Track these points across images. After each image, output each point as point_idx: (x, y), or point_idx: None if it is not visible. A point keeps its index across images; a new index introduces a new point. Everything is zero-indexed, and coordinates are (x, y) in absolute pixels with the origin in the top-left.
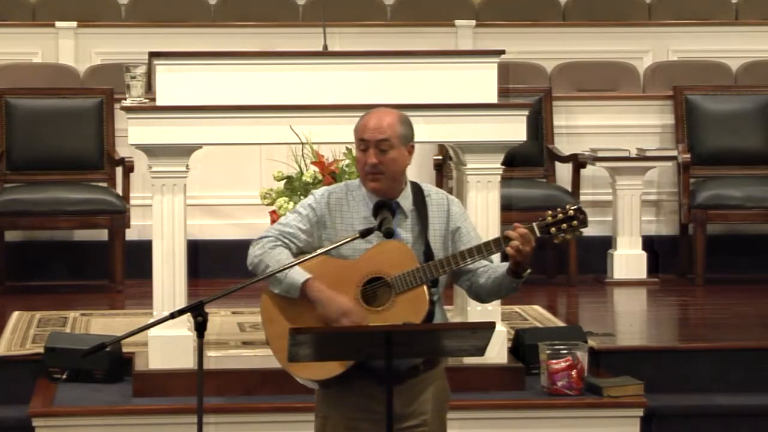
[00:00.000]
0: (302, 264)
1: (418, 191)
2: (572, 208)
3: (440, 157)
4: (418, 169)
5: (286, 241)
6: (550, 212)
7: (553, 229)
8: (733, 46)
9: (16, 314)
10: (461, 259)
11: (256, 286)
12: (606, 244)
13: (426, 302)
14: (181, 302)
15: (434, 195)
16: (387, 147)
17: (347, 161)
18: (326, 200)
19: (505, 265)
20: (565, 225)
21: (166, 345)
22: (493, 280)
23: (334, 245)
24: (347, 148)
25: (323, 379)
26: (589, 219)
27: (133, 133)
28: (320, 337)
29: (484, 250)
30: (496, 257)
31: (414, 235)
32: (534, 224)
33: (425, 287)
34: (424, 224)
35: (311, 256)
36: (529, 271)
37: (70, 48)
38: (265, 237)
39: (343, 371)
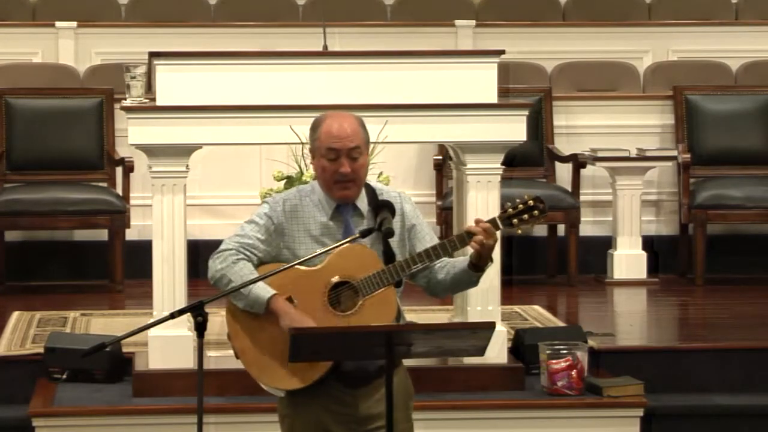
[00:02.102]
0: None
1: (371, 191)
2: (531, 198)
3: (440, 157)
4: (418, 169)
5: (247, 253)
6: (509, 204)
7: (515, 221)
8: (733, 46)
9: (16, 314)
10: (426, 257)
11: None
12: (606, 244)
13: (394, 304)
14: (181, 302)
15: (386, 194)
16: (357, 154)
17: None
18: (281, 207)
19: (464, 259)
20: (526, 215)
21: (166, 345)
22: (452, 276)
23: (335, 245)
24: None
25: (303, 386)
26: (590, 219)
27: (133, 133)
28: (320, 337)
29: (448, 246)
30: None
31: (372, 235)
32: (495, 217)
33: (392, 289)
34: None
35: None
36: (490, 263)
37: (70, 48)
38: (226, 250)
39: (318, 378)
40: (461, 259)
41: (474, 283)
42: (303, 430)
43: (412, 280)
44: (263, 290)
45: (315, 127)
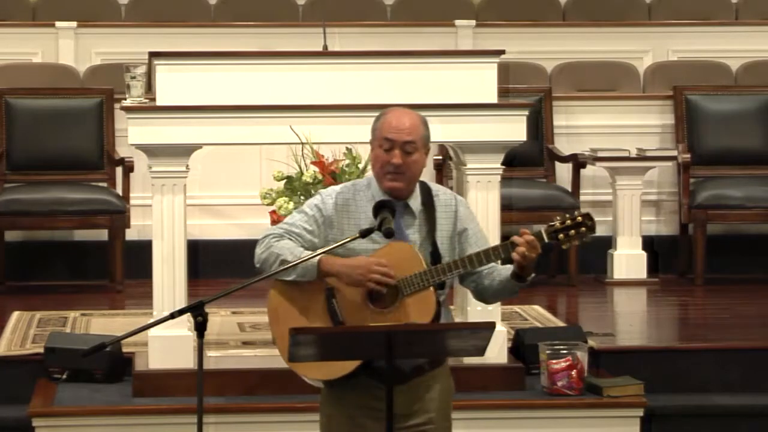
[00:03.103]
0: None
1: (426, 192)
2: (581, 214)
3: (440, 157)
4: None
5: (292, 239)
6: (558, 217)
7: (561, 236)
8: (733, 46)
9: (16, 314)
10: (469, 263)
11: (257, 285)
12: (606, 244)
13: (433, 305)
14: (181, 302)
15: (442, 195)
16: (412, 149)
17: (347, 161)
18: (333, 200)
19: (510, 268)
20: (573, 231)
21: (166, 345)
22: (498, 283)
23: (335, 245)
24: (347, 148)
25: (330, 379)
26: None
27: (133, 133)
28: (320, 337)
29: (492, 254)
30: None
31: (422, 235)
32: (542, 230)
33: (432, 290)
34: (432, 225)
35: (316, 253)
36: (533, 275)
37: (70, 48)
38: (271, 235)
39: (351, 371)
40: (507, 267)
41: (516, 293)
42: (338, 424)
43: (462, 284)
44: (312, 257)
45: (377, 119)
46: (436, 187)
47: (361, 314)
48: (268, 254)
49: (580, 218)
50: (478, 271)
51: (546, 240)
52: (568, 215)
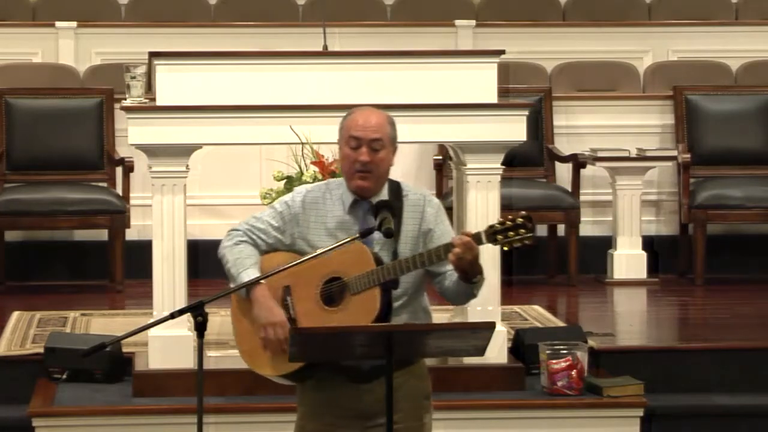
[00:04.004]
0: (279, 262)
1: (395, 191)
2: (522, 216)
3: (440, 157)
4: (418, 169)
5: (254, 237)
6: (498, 219)
7: (500, 237)
8: (733, 46)
9: (16, 314)
10: (412, 263)
11: None
12: (606, 244)
13: (376, 304)
14: (181, 302)
15: (411, 195)
16: (379, 147)
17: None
18: (302, 198)
19: None
20: (512, 233)
21: (166, 345)
22: (455, 284)
23: (335, 245)
24: None
25: (287, 374)
26: (589, 219)
27: (133, 133)
28: (320, 337)
29: (433, 256)
30: None
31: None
32: (482, 231)
33: (378, 289)
34: (397, 225)
35: (306, 258)
36: (479, 277)
37: (70, 48)
38: (236, 230)
39: (302, 365)
40: None
41: (472, 294)
42: (309, 422)
43: (432, 284)
44: (247, 276)
45: (344, 118)
46: (407, 188)
47: (312, 312)
48: (222, 252)
49: (520, 220)
50: (442, 273)
51: (484, 241)
52: (509, 216)
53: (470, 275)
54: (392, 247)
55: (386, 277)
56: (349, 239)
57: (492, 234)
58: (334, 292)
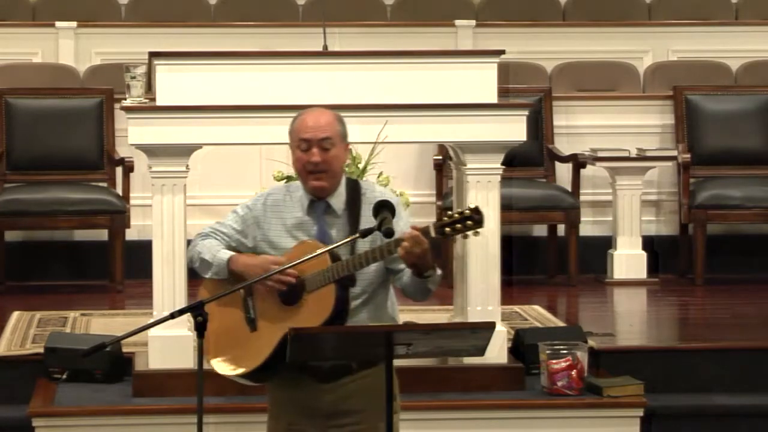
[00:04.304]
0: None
1: (354, 190)
2: (470, 208)
3: (440, 157)
4: (418, 169)
5: (218, 238)
6: (448, 212)
7: (448, 230)
8: (733, 46)
9: (16, 314)
10: (365, 259)
11: None
12: (606, 244)
13: (331, 302)
14: (181, 302)
15: (370, 194)
16: (329, 145)
17: (347, 161)
18: (263, 201)
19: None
20: (459, 225)
21: (166, 345)
22: (411, 281)
23: (334, 246)
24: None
25: (245, 373)
26: (590, 219)
27: (133, 133)
28: (320, 337)
29: (384, 251)
30: None
31: (344, 234)
32: (430, 225)
33: (333, 286)
34: (354, 224)
35: (310, 256)
36: (431, 272)
37: (70, 48)
38: (200, 234)
39: (260, 364)
40: None
41: (427, 289)
42: (275, 421)
43: (393, 283)
44: (225, 254)
45: (292, 121)
46: (366, 186)
47: (270, 311)
48: (192, 253)
49: (467, 212)
50: (401, 269)
51: (433, 234)
52: (458, 209)
53: (421, 269)
54: (349, 247)
55: (340, 274)
56: (349, 239)
57: (440, 227)
58: (291, 290)
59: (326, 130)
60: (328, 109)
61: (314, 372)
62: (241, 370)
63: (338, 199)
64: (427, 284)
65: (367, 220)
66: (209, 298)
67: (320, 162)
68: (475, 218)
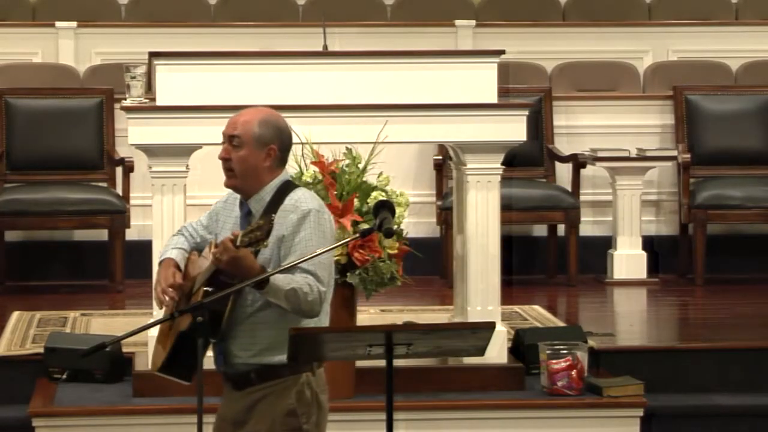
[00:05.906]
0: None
1: (280, 195)
2: (264, 218)
3: (440, 157)
4: (418, 169)
5: (186, 233)
6: (253, 222)
7: (244, 239)
8: (733, 46)
9: (16, 314)
10: (207, 270)
11: None
12: (606, 244)
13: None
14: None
15: (288, 201)
16: (237, 143)
17: (347, 161)
18: (224, 199)
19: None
20: (251, 235)
21: None
22: None
23: (333, 246)
24: (347, 148)
25: (157, 369)
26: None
27: (133, 133)
28: (319, 337)
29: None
30: None
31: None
32: (240, 233)
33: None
34: (268, 229)
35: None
36: (267, 286)
37: (70, 48)
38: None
39: (164, 358)
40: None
41: (274, 303)
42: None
43: None
44: (165, 256)
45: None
46: (294, 194)
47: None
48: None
49: (261, 222)
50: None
51: (237, 243)
52: (260, 220)
53: (233, 276)
54: (256, 250)
55: (202, 282)
56: (350, 239)
57: (243, 237)
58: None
59: (238, 129)
60: (266, 109)
61: (228, 378)
62: (155, 367)
63: (259, 204)
64: (267, 296)
65: (277, 225)
66: (209, 299)
67: (224, 158)
68: (264, 228)
